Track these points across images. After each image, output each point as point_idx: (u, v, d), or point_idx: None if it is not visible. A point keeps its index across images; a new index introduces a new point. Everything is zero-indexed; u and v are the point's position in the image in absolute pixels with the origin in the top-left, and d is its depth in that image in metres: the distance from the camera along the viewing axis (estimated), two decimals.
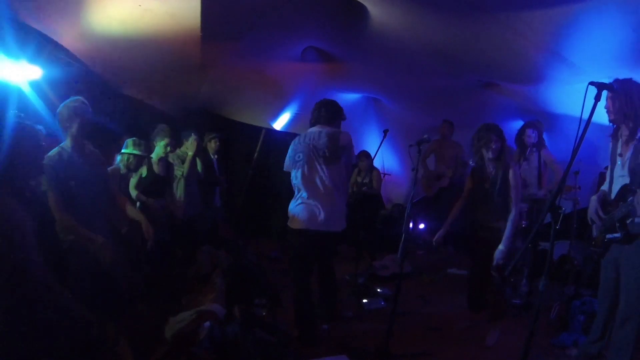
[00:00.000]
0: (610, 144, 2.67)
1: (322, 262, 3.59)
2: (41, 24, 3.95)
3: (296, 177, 3.39)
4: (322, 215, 3.28)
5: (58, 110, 2.72)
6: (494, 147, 3.45)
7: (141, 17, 3.90)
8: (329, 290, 3.69)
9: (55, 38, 4.19)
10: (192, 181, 4.80)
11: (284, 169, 3.50)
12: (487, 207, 3.55)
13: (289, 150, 3.46)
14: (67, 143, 2.73)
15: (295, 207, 3.39)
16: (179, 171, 4.64)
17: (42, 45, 3.98)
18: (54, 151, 2.67)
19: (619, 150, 2.59)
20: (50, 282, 1.68)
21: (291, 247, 3.50)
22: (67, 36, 4.24)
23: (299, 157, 3.38)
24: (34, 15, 3.83)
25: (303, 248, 3.39)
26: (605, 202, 2.61)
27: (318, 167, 3.34)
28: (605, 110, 2.53)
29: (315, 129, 3.43)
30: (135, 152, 3.99)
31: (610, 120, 2.57)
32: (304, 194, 3.35)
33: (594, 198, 2.66)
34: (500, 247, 3.35)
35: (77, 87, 4.09)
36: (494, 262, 3.35)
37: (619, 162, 2.58)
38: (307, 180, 3.33)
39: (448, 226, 3.68)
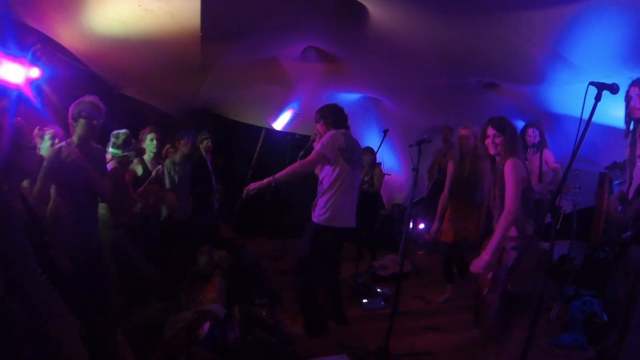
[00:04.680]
0: (629, 145, 2.63)
1: (336, 260, 3.76)
2: (41, 24, 3.95)
3: (349, 175, 3.50)
4: (353, 213, 3.59)
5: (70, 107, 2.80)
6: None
7: (141, 18, 3.89)
8: (337, 291, 3.82)
9: (55, 38, 4.19)
10: (182, 185, 4.80)
11: (327, 154, 3.38)
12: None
13: (342, 142, 3.46)
14: (73, 140, 2.79)
15: (339, 205, 3.46)
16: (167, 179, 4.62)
17: (42, 45, 3.98)
18: (57, 146, 2.78)
19: (638, 152, 2.56)
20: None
21: (325, 243, 3.52)
22: (67, 36, 4.24)
23: (356, 157, 3.57)
24: (34, 15, 3.83)
25: (337, 244, 3.64)
26: (623, 202, 2.60)
27: (359, 169, 3.69)
28: (633, 107, 2.51)
29: (349, 133, 3.63)
30: (126, 153, 3.78)
31: (636, 118, 2.55)
32: (349, 193, 3.52)
33: (612, 197, 2.67)
34: (483, 255, 2.78)
35: (77, 87, 4.09)
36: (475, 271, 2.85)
37: (638, 164, 2.55)
38: (353, 180, 3.57)
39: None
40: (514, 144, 2.91)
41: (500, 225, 2.73)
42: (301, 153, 3.62)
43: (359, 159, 3.67)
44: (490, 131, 2.93)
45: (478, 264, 2.75)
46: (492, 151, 2.95)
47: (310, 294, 3.55)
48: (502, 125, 2.93)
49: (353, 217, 3.60)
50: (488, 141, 2.94)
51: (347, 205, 3.53)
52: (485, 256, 2.73)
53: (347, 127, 3.66)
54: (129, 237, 3.62)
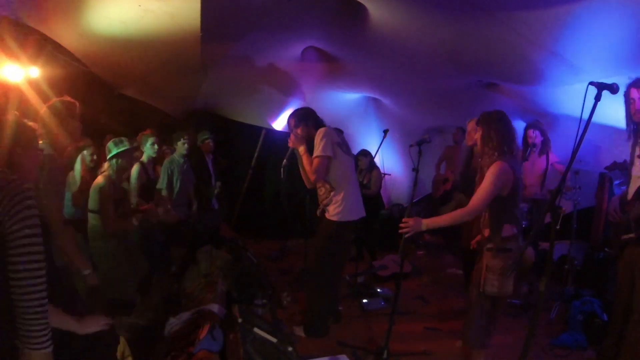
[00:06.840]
0: (630, 146, 2.65)
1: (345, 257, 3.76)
2: (41, 24, 3.95)
3: (351, 165, 3.55)
4: (362, 202, 3.61)
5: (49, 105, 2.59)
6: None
7: (141, 18, 3.89)
8: (339, 289, 3.79)
9: (55, 38, 4.19)
10: (182, 186, 4.77)
11: (329, 154, 3.32)
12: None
13: (335, 136, 3.43)
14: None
15: (352, 198, 3.46)
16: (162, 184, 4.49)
17: (42, 45, 3.98)
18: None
19: (637, 152, 2.59)
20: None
21: (345, 239, 3.51)
22: (67, 36, 4.24)
23: (348, 147, 3.59)
24: (34, 15, 3.83)
25: (351, 237, 3.64)
26: (623, 202, 2.61)
27: (353, 156, 3.76)
28: (635, 112, 2.53)
29: (331, 128, 3.61)
30: (120, 149, 3.46)
31: (638, 121, 2.57)
32: (355, 183, 3.57)
33: (614, 198, 2.67)
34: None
35: (77, 87, 4.08)
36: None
37: (637, 164, 2.58)
38: (354, 169, 3.65)
39: None
40: (496, 140, 2.46)
41: (455, 214, 2.45)
42: (284, 162, 3.51)
43: (350, 147, 3.72)
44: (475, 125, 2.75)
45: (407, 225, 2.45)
46: (468, 142, 2.87)
47: (326, 297, 3.50)
48: (482, 118, 2.57)
49: (363, 206, 3.61)
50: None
51: (357, 196, 3.56)
52: (419, 220, 2.45)
53: (325, 126, 3.56)
54: (123, 247, 3.46)
